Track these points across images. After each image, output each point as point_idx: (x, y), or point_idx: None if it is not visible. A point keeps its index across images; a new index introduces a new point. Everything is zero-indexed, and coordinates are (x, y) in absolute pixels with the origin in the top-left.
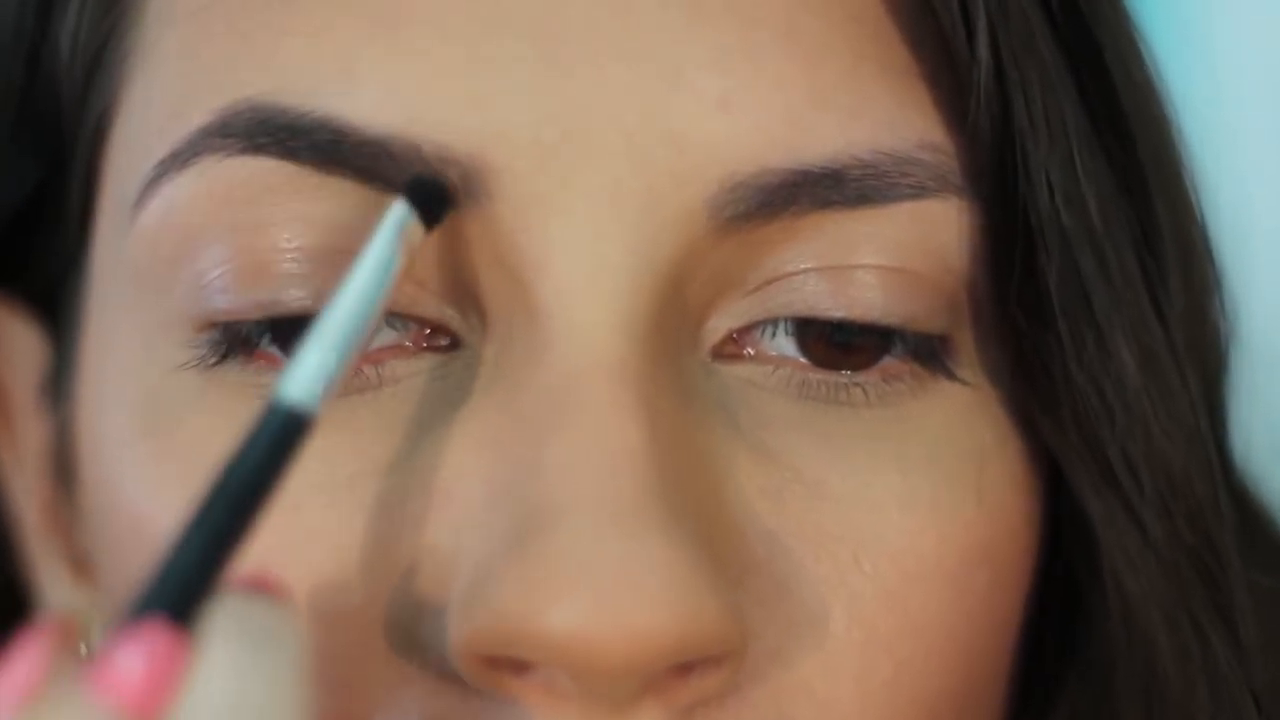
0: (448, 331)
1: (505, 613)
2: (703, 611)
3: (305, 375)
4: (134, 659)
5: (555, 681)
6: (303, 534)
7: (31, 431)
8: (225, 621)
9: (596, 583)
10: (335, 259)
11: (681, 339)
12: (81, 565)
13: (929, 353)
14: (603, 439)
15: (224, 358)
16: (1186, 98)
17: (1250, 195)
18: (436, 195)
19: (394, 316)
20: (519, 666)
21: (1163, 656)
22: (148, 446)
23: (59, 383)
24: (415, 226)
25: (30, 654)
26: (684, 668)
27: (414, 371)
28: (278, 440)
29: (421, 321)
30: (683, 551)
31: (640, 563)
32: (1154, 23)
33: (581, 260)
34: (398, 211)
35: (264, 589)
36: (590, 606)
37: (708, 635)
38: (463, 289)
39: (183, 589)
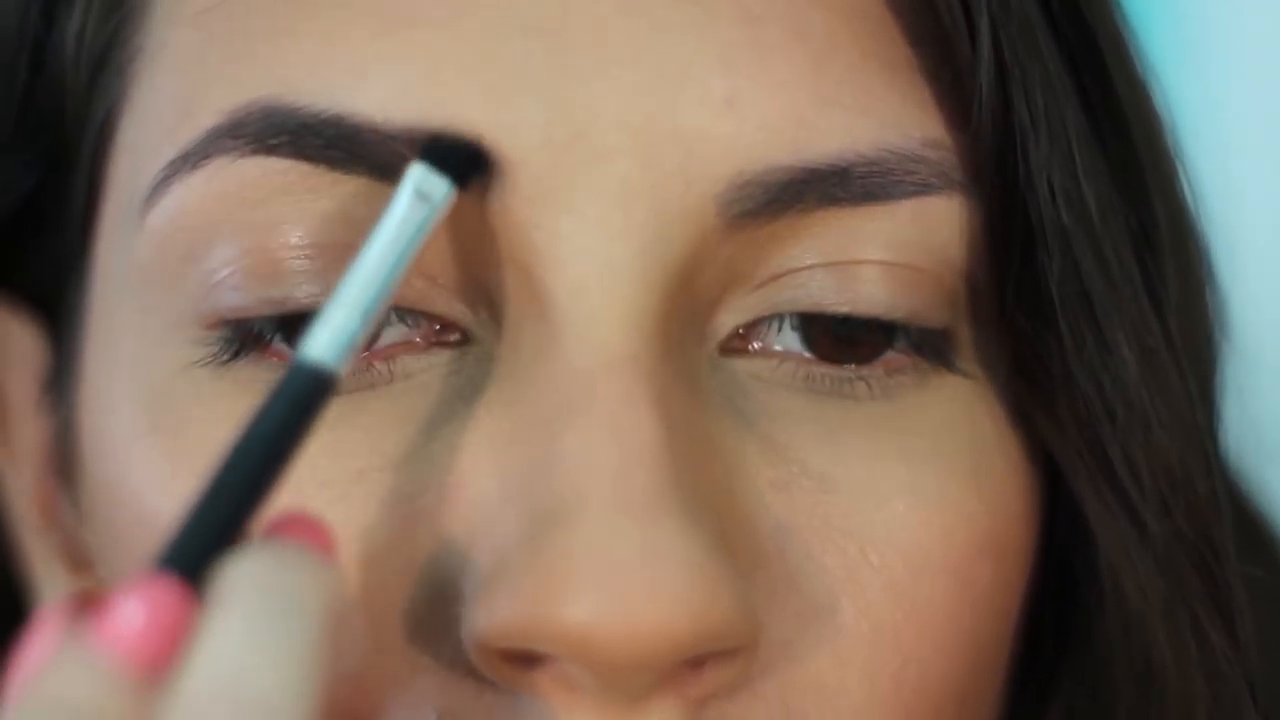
0: (458, 327)
1: (522, 606)
2: (718, 606)
3: (328, 336)
4: (134, 608)
5: (570, 675)
6: None
7: (29, 431)
8: (246, 584)
9: (613, 577)
10: (348, 255)
11: (690, 334)
12: (79, 562)
13: (931, 346)
14: (617, 433)
15: (236, 355)
16: (1179, 98)
17: (1241, 195)
18: (465, 156)
19: (405, 312)
20: (534, 659)
21: (1160, 650)
22: (156, 443)
23: (59, 383)
24: (439, 184)
25: (44, 630)
26: (697, 661)
27: (425, 367)
28: (300, 399)
29: (432, 317)
30: (698, 545)
31: (657, 557)
32: (1147, 23)
33: (592, 258)
34: (416, 172)
35: (303, 537)
36: (607, 600)
37: (722, 629)
38: (474, 285)
39: (194, 545)
